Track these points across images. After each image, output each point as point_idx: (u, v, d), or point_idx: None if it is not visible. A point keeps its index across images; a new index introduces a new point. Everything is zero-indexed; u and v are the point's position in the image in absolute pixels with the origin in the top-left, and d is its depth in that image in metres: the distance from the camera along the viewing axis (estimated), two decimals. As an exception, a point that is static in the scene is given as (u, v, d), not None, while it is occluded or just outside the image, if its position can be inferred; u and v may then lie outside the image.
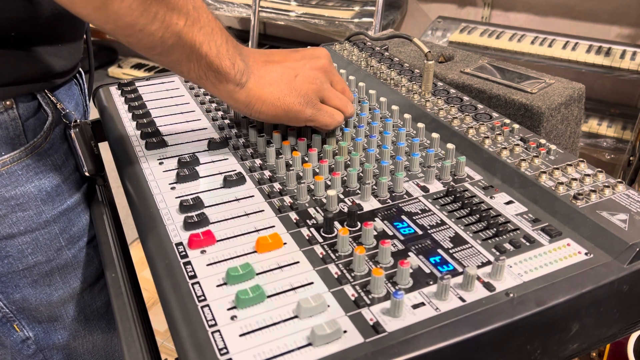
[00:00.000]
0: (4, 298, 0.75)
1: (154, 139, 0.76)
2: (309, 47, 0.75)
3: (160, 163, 0.72)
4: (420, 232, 0.59)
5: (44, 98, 0.71)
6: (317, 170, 0.70)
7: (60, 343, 0.84)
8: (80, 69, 0.85)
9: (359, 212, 0.62)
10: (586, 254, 0.56)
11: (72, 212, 0.78)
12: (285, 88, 0.67)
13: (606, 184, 0.64)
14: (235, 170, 0.70)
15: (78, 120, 0.75)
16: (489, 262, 0.55)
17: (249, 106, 0.66)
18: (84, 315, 0.85)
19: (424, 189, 0.66)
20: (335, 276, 0.53)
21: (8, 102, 0.66)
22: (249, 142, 0.77)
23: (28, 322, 0.79)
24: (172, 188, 0.67)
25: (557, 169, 0.67)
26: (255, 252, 0.56)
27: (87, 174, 0.78)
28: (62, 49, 0.72)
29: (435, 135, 0.75)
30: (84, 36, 0.81)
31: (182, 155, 0.72)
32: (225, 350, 0.45)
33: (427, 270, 0.54)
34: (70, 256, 0.79)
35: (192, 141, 0.78)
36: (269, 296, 0.50)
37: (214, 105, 0.88)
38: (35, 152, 0.71)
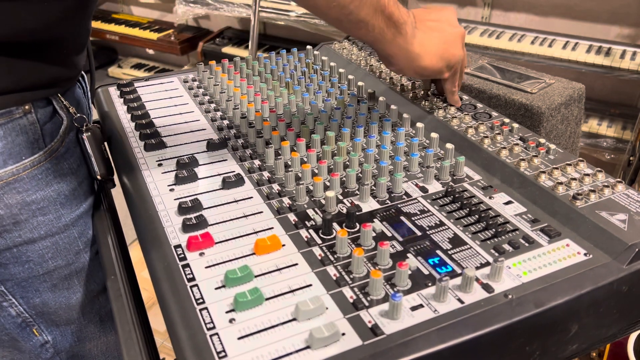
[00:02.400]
0: (24, 303, 0.76)
1: (153, 140, 0.76)
2: (444, 7, 0.81)
3: (159, 164, 0.72)
4: (419, 233, 0.59)
5: (58, 102, 0.72)
6: (316, 171, 0.69)
7: (76, 345, 0.84)
8: (82, 72, 0.85)
9: (357, 213, 0.62)
10: (585, 254, 0.56)
11: (88, 216, 0.79)
12: (445, 39, 0.75)
13: (606, 184, 0.64)
14: (234, 171, 0.70)
15: (89, 124, 0.76)
16: (487, 263, 0.54)
17: (419, 59, 0.73)
18: (99, 317, 0.85)
19: (423, 190, 0.66)
20: (334, 278, 0.53)
21: (27, 107, 0.67)
22: (248, 143, 0.77)
23: (47, 326, 0.80)
24: (171, 190, 0.67)
25: (557, 168, 0.67)
26: (253, 254, 0.56)
27: (99, 177, 0.78)
28: (71, 55, 0.72)
29: (434, 135, 0.75)
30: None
31: (180, 156, 0.72)
32: (223, 354, 0.45)
33: (426, 272, 0.53)
34: (87, 259, 0.80)
35: (191, 142, 0.78)
36: (267, 299, 0.50)
37: (212, 105, 0.88)
38: (53, 156, 0.72)
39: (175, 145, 0.77)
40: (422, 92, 0.87)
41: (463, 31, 0.79)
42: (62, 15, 0.65)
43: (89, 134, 0.75)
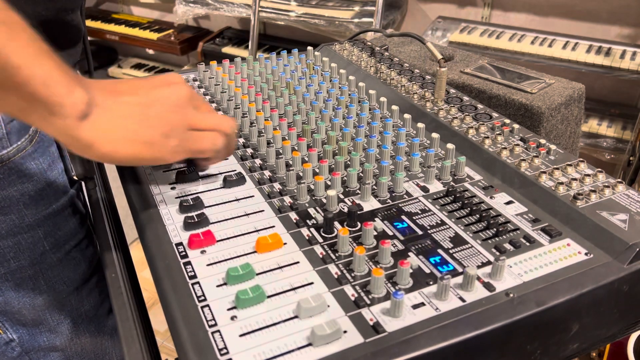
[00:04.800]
0: None
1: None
2: (162, 74, 0.64)
3: (160, 163, 0.72)
4: (420, 232, 0.59)
5: None
6: (317, 170, 0.70)
7: (46, 345, 0.83)
8: (78, 72, 0.84)
9: (359, 212, 0.62)
10: (586, 254, 0.56)
11: (58, 216, 0.77)
12: (142, 120, 0.56)
13: (606, 184, 0.64)
14: (235, 170, 0.70)
15: None
16: (489, 262, 0.55)
17: (96, 146, 0.53)
18: (70, 319, 0.83)
19: (424, 189, 0.66)
20: (335, 276, 0.53)
21: None
22: (249, 142, 0.77)
23: (11, 324, 0.78)
24: (172, 188, 0.67)
25: (557, 169, 0.67)
26: (255, 252, 0.56)
27: (75, 177, 0.76)
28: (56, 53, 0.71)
29: (435, 135, 0.75)
30: (82, 40, 0.80)
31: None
32: (225, 351, 0.45)
33: (427, 270, 0.54)
34: (55, 260, 0.78)
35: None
36: (269, 296, 0.51)
37: (213, 105, 0.88)
38: (19, 156, 0.69)
39: (176, 144, 0.77)
40: (436, 100, 0.85)
41: (179, 91, 0.60)
42: (41, 8, 0.63)
43: None
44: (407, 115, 0.80)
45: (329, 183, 0.67)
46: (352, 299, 0.50)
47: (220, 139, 0.62)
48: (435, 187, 0.67)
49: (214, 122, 0.62)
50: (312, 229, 0.59)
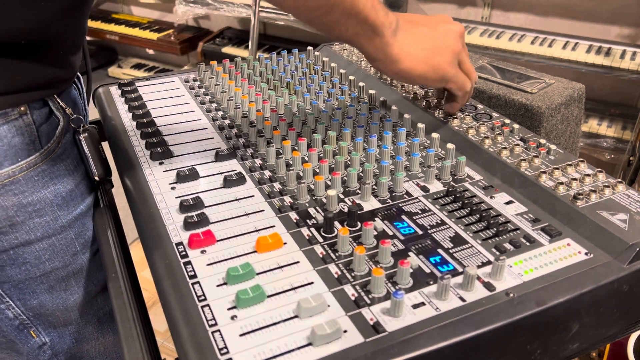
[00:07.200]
0: (21, 305, 0.76)
1: (154, 139, 0.76)
2: (435, 15, 0.78)
3: (161, 163, 0.72)
4: (420, 232, 0.59)
5: (54, 103, 0.72)
6: (317, 170, 0.70)
7: (73, 346, 0.84)
8: (78, 73, 0.85)
9: (359, 212, 0.62)
10: (586, 253, 0.56)
11: (86, 217, 0.79)
12: (435, 47, 0.70)
13: (606, 184, 0.64)
14: (235, 170, 0.70)
15: (86, 125, 0.76)
16: (489, 262, 0.55)
17: (399, 61, 0.68)
18: (97, 318, 0.85)
19: (424, 189, 0.66)
20: (336, 276, 0.53)
21: (22, 108, 0.67)
22: (249, 142, 0.77)
23: (44, 327, 0.79)
24: (172, 188, 0.67)
25: (557, 169, 0.67)
26: (255, 252, 0.56)
27: (97, 178, 0.78)
28: (67, 56, 0.72)
29: (435, 135, 0.75)
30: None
31: (182, 155, 0.72)
32: (225, 350, 0.45)
33: (427, 270, 0.54)
34: (85, 260, 0.79)
35: (192, 141, 0.78)
36: (269, 296, 0.50)
37: (214, 105, 0.88)
38: (50, 158, 0.71)
39: (176, 144, 0.77)
40: (436, 100, 0.85)
41: (459, 30, 0.74)
42: (58, 15, 0.65)
43: (86, 134, 0.75)
44: (407, 116, 0.80)
45: (329, 183, 0.67)
46: (352, 298, 0.50)
47: (469, 84, 0.76)
48: (435, 187, 0.67)
49: (471, 68, 0.76)
50: (312, 229, 0.59)
